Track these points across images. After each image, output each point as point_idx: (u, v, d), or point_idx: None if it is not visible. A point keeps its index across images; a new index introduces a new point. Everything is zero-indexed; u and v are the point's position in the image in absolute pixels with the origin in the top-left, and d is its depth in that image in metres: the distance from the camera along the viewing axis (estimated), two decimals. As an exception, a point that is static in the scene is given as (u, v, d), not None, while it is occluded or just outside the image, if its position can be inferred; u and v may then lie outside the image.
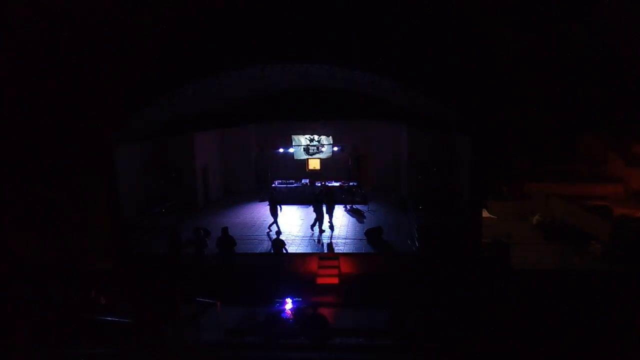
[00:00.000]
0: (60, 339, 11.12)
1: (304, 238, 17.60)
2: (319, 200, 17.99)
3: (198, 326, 11.75)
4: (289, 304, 12.47)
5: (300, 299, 12.81)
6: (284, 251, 15.36)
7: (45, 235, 15.58)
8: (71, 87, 15.09)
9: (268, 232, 18.19)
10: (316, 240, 17.31)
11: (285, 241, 15.63)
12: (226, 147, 25.29)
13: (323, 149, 25.24)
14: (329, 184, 22.49)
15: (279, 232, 15.57)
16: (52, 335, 11.02)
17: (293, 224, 19.46)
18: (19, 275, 14.27)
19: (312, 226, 18.16)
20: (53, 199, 15.76)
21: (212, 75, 15.13)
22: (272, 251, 15.27)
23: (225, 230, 15.11)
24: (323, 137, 25.10)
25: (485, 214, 18.94)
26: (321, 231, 17.95)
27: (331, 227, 18.34)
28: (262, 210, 21.94)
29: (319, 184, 22.86)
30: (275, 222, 18.21)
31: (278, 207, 18.24)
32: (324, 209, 18.24)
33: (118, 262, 15.51)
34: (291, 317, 12.24)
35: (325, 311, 12.69)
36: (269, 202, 18.43)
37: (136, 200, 19.37)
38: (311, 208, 18.74)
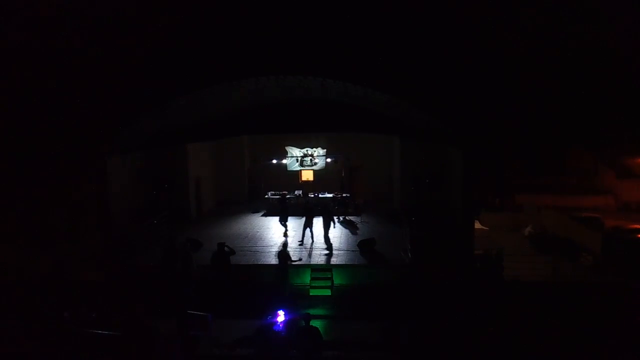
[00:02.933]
0: (51, 352, 11.02)
1: (296, 249, 17.57)
2: None
3: (189, 339, 11.67)
4: (281, 316, 12.41)
5: (292, 311, 12.76)
6: (290, 263, 15.23)
7: (36, 247, 15.47)
8: (63, 98, 15.09)
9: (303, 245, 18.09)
10: (308, 252, 17.30)
11: (289, 253, 15.50)
12: (219, 158, 25.28)
13: (316, 161, 25.29)
14: (279, 193, 22.69)
15: (285, 244, 15.43)
16: (43, 348, 10.92)
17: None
18: (9, 288, 14.15)
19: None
20: (45, 211, 15.68)
21: (205, 87, 15.18)
22: (278, 263, 15.13)
23: (221, 245, 15.00)
24: (316, 150, 25.16)
25: (477, 225, 19.00)
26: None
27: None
28: (256, 222, 21.90)
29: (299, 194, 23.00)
30: (312, 234, 18.07)
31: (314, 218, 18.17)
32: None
33: (110, 274, 15.41)
34: (283, 329, 12.19)
35: (317, 323, 12.66)
36: (306, 212, 18.23)
37: (128, 211, 19.25)
38: (303, 219, 18.76)
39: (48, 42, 14.35)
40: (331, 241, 17.64)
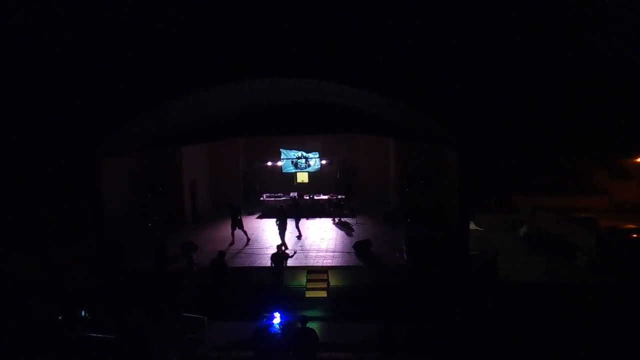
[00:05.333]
0: (46, 356, 10.95)
1: (291, 251, 17.51)
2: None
3: (185, 342, 11.62)
4: (277, 318, 12.40)
5: (288, 313, 12.74)
6: (285, 265, 15.17)
7: (31, 250, 15.38)
8: (58, 100, 15.03)
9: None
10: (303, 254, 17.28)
11: (286, 254, 15.43)
12: (215, 160, 25.22)
13: (311, 163, 25.30)
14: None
15: (280, 246, 15.41)
16: (37, 352, 10.85)
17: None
18: (3, 291, 14.06)
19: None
20: (39, 213, 15.60)
21: (200, 89, 15.16)
22: (272, 265, 15.05)
23: (221, 254, 14.97)
24: (311, 153, 25.17)
25: (472, 226, 19.05)
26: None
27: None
28: (251, 224, 21.84)
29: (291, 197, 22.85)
30: (282, 237, 17.86)
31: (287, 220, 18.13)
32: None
33: (105, 277, 15.33)
34: (280, 331, 12.17)
35: (314, 325, 12.65)
36: (280, 216, 18.08)
37: (123, 214, 19.20)
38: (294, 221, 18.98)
39: (46, 44, 14.30)
40: (324, 241, 17.71)
